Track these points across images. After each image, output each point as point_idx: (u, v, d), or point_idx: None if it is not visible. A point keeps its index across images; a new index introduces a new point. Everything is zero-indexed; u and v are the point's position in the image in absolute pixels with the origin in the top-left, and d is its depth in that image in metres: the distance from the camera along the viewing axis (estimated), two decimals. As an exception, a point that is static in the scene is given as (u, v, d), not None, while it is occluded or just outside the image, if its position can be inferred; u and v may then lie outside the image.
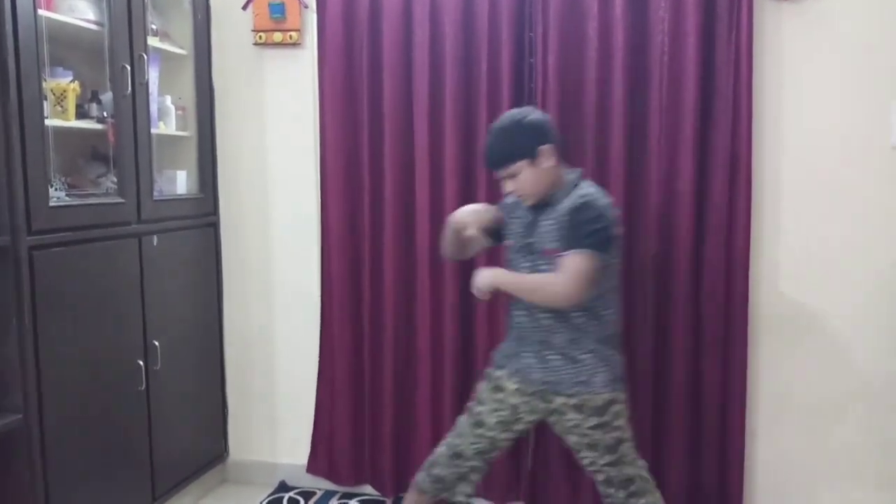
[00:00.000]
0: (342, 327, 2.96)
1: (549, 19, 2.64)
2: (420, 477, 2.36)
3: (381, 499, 3.03)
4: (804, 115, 2.57)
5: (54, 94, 2.33)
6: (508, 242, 2.30)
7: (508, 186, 2.19)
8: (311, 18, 2.91)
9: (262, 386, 3.18)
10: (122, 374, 2.53)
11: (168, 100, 2.86)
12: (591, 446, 2.19)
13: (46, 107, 2.24)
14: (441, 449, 2.34)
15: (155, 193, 2.69)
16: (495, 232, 2.35)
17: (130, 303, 2.56)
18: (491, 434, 2.26)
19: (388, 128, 2.82)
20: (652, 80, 2.62)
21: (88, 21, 2.42)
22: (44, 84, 2.21)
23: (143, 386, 2.61)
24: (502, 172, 2.18)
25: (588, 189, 2.18)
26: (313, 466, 3.10)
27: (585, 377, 2.15)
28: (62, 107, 2.34)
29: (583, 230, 2.07)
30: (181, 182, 2.91)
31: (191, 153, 2.98)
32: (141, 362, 2.60)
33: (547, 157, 2.15)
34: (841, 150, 2.55)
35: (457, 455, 2.29)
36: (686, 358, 2.66)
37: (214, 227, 3.09)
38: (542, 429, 2.80)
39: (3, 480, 2.17)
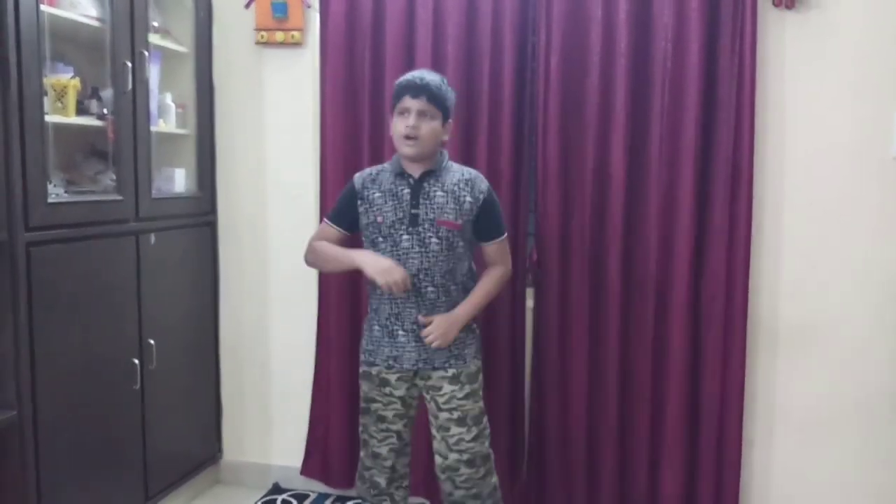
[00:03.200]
0: (339, 329, 2.94)
1: (552, 24, 2.64)
2: (357, 488, 2.49)
3: (375, 502, 3.02)
4: (805, 125, 2.56)
5: (55, 90, 2.32)
6: (377, 220, 2.24)
7: (413, 121, 2.16)
8: (314, 18, 2.90)
9: (257, 387, 3.17)
10: (117, 373, 2.51)
11: (168, 97, 2.85)
12: (461, 420, 2.26)
13: (47, 103, 2.23)
14: (362, 454, 2.43)
15: (153, 191, 2.68)
16: (353, 225, 2.33)
17: (127, 301, 2.55)
18: (395, 428, 2.36)
19: (388, 129, 2.81)
20: (654, 87, 2.62)
21: (90, 17, 2.41)
22: (44, 80, 2.20)
23: (138, 385, 2.60)
24: (423, 106, 2.16)
25: (469, 169, 2.33)
26: (307, 469, 3.09)
27: (458, 350, 2.29)
28: (62, 103, 2.33)
29: (498, 217, 2.32)
30: (179, 180, 2.90)
31: (190, 152, 2.97)
32: (136, 361, 2.58)
33: (448, 131, 2.27)
34: (842, 160, 2.54)
35: (375, 455, 2.38)
36: (684, 368, 2.65)
37: (212, 226, 3.08)
38: (537, 437, 2.81)
39: (-5, 477, 2.16)
